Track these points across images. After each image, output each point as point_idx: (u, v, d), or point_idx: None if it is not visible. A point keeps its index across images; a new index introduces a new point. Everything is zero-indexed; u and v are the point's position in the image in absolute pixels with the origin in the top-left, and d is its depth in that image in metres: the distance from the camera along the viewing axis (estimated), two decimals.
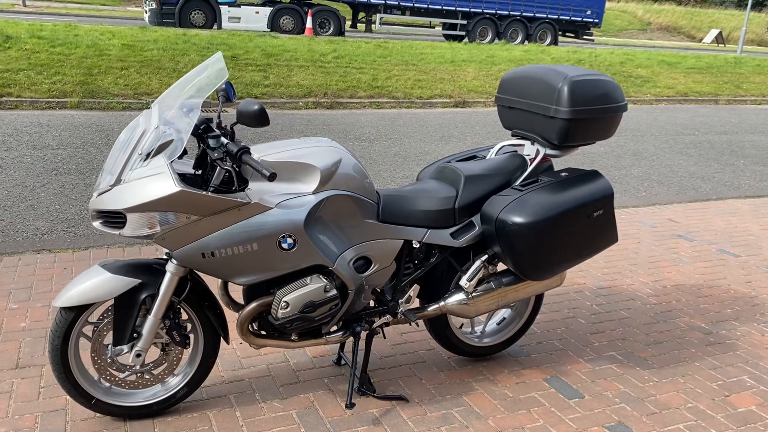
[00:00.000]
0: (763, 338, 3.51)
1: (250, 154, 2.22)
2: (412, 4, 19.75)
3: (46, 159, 6.19)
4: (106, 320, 2.42)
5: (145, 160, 2.22)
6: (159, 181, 2.18)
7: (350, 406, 2.65)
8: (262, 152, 2.38)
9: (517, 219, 2.56)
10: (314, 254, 2.39)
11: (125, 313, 2.38)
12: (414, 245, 2.66)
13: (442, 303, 2.81)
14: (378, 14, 19.85)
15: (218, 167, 2.26)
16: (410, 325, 3.38)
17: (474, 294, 2.79)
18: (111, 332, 2.42)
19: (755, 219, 5.67)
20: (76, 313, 2.36)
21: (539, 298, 3.15)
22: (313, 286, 2.44)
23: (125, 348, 2.42)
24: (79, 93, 8.85)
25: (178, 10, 16.64)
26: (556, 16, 21.34)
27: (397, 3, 19.65)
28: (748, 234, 5.24)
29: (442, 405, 2.76)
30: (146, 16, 17.42)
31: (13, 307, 3.36)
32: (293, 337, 2.57)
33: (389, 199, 2.60)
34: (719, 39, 32.79)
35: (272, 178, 2.13)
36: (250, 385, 2.82)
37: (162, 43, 11.65)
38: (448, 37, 20.96)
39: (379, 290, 2.70)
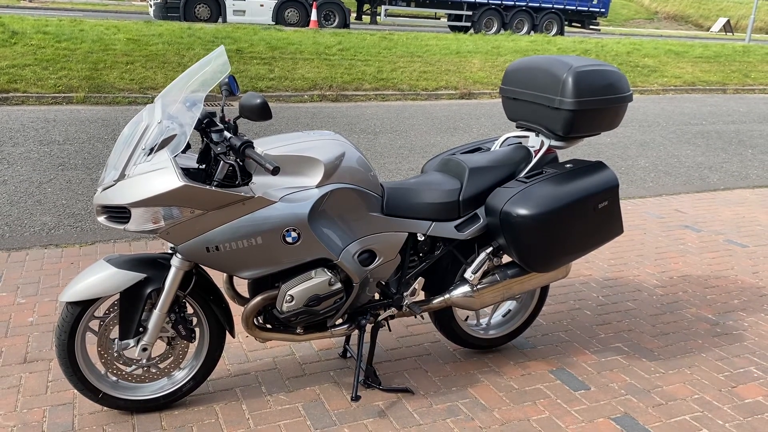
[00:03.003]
0: None
1: (254, 148, 2.22)
2: None
3: (52, 154, 6.21)
4: (112, 315, 2.44)
5: (148, 155, 2.23)
6: (163, 176, 2.19)
7: (356, 398, 2.66)
8: (266, 146, 2.38)
9: (522, 211, 2.55)
10: (318, 248, 2.39)
11: (131, 308, 2.39)
12: (418, 238, 2.66)
13: (447, 295, 2.80)
14: (383, 6, 19.78)
15: (222, 161, 2.26)
16: (415, 317, 3.38)
17: (479, 286, 2.79)
18: (117, 326, 2.43)
19: (763, 209, 5.63)
20: (82, 307, 2.37)
21: (544, 290, 3.14)
22: (318, 279, 2.45)
23: (131, 342, 2.44)
24: (85, 88, 8.87)
25: (183, 4, 16.63)
26: (562, 6, 21.20)
27: None
28: (756, 224, 5.21)
29: (447, 397, 2.77)
30: (151, 11, 17.42)
31: (20, 301, 3.38)
32: (298, 331, 2.58)
33: (393, 191, 2.60)
34: (727, 27, 32.50)
35: (276, 171, 2.13)
36: (257, 378, 2.83)
37: (167, 37, 11.65)
38: (453, 29, 20.84)
39: (384, 283, 2.70)
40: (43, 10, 19.51)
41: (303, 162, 2.37)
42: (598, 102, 2.69)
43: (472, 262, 2.79)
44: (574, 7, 21.46)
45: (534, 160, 2.83)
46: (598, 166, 2.82)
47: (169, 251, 2.44)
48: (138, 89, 9.20)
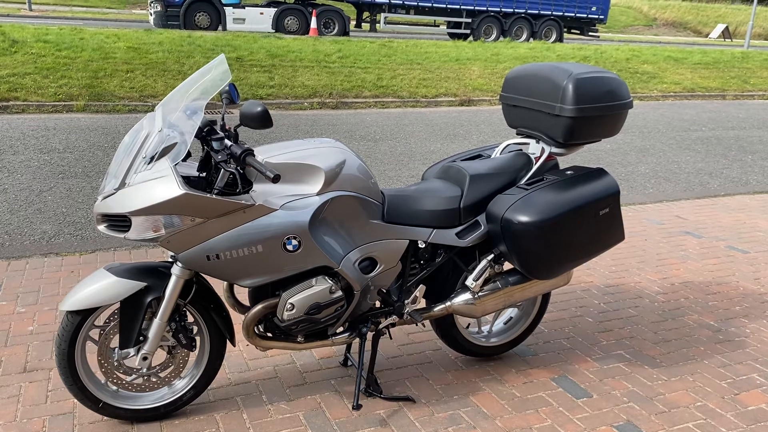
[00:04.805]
0: None
1: (254, 156, 2.22)
2: (416, 3, 19.72)
3: (52, 162, 6.21)
4: (112, 323, 2.43)
5: (149, 164, 2.22)
6: (163, 184, 2.18)
7: (357, 407, 2.65)
8: (266, 154, 2.38)
9: (523, 218, 2.55)
10: (319, 255, 2.39)
11: (131, 317, 2.38)
12: (419, 245, 2.65)
13: (448, 303, 2.80)
14: (382, 13, 19.83)
15: (222, 169, 2.26)
16: (416, 325, 3.37)
17: (480, 294, 2.78)
18: (117, 335, 2.42)
19: (764, 215, 5.63)
20: (82, 316, 2.36)
21: (546, 297, 3.13)
22: (319, 287, 2.44)
23: (132, 351, 2.43)
24: (85, 96, 8.88)
25: (183, 12, 16.67)
26: (561, 13, 21.26)
27: (401, 2, 19.62)
28: (757, 230, 5.20)
29: (449, 405, 2.75)
30: (151, 19, 17.47)
31: (20, 310, 3.37)
32: (299, 339, 2.57)
33: (394, 199, 2.60)
34: (726, 34, 32.59)
35: (276, 179, 2.13)
36: (257, 387, 2.82)
37: (167, 45, 11.68)
38: (452, 36, 20.91)
39: (384, 291, 2.70)
40: (43, 19, 19.57)
41: (304, 170, 2.37)
42: (599, 109, 2.69)
43: (474, 269, 2.79)
44: (573, 14, 21.52)
45: (534, 167, 2.83)
46: (599, 172, 2.81)
47: (170, 260, 2.44)
48: (138, 97, 9.21)
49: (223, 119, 2.40)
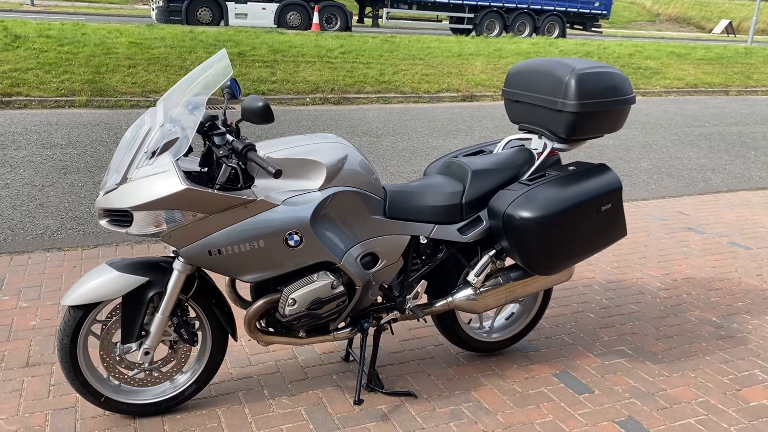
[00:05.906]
0: None
1: (256, 151, 2.22)
2: None
3: (55, 158, 6.22)
4: (114, 318, 2.43)
5: (150, 159, 2.22)
6: (165, 179, 2.18)
7: (358, 402, 2.65)
8: (268, 149, 2.38)
9: (525, 214, 2.54)
10: (321, 251, 2.39)
11: (133, 311, 2.39)
12: (421, 241, 2.65)
13: (449, 299, 2.80)
14: (385, 9, 19.78)
15: (224, 165, 2.25)
16: (418, 320, 3.37)
17: (482, 289, 2.78)
18: (119, 330, 2.43)
19: (766, 211, 5.62)
20: (84, 311, 2.36)
21: (548, 293, 3.13)
22: (320, 282, 2.44)
23: (134, 346, 2.43)
24: (88, 91, 8.88)
25: (185, 8, 16.65)
26: (564, 9, 21.19)
27: None
28: (759, 226, 5.19)
29: (450, 401, 2.75)
30: (153, 14, 17.45)
31: (23, 305, 3.38)
32: (301, 334, 2.57)
33: (396, 194, 2.59)
34: (729, 29, 32.48)
35: (278, 175, 2.13)
36: (259, 382, 2.82)
37: (169, 40, 11.67)
38: (455, 31, 20.86)
39: (386, 286, 2.70)
40: (45, 14, 19.56)
41: (305, 165, 2.37)
42: (601, 104, 2.68)
43: (475, 265, 2.78)
44: (576, 10, 21.45)
45: (537, 163, 2.82)
46: (601, 168, 2.81)
47: (171, 255, 2.44)
48: (140, 93, 9.21)
49: (224, 114, 2.40)
